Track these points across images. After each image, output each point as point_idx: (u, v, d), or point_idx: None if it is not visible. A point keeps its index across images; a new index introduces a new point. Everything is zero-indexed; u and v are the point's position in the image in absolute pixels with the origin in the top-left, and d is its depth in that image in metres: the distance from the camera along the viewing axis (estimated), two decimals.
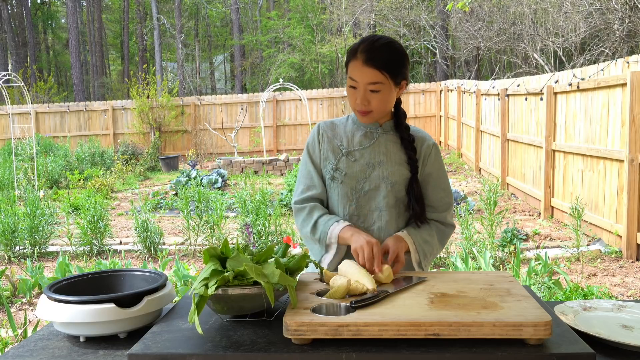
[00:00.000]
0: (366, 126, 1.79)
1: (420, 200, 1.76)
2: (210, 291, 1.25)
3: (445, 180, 1.83)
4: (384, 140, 1.78)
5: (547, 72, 11.41)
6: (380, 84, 1.65)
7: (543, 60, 12.57)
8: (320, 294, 1.40)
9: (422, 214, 1.76)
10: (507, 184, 8.65)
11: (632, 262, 4.97)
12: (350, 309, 1.28)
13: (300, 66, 21.22)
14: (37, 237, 5.95)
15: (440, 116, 14.52)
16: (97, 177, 10.18)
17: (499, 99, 8.77)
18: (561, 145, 6.53)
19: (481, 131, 10.15)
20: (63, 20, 34.85)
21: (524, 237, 5.79)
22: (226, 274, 1.29)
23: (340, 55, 19.98)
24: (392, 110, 1.80)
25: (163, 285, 1.51)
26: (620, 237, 5.14)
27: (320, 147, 1.82)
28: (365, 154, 1.77)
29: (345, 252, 1.74)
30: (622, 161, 5.13)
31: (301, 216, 1.80)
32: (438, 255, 1.92)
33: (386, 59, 1.65)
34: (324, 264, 1.75)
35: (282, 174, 11.63)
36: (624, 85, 5.07)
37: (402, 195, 1.76)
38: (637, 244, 5.01)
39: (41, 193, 8.67)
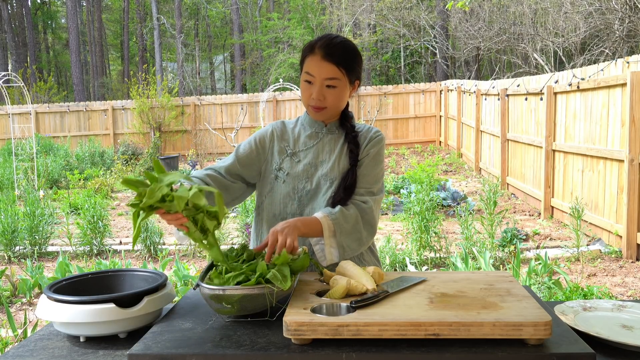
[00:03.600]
0: (312, 127, 1.81)
1: (350, 190, 1.73)
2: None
3: (377, 171, 1.77)
4: (328, 140, 1.80)
5: (547, 72, 11.41)
6: (336, 80, 1.68)
7: (543, 60, 12.57)
8: (320, 294, 1.40)
9: (345, 200, 1.72)
10: (507, 184, 8.65)
11: (632, 262, 4.97)
12: (350, 309, 1.28)
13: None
14: (37, 237, 5.95)
15: (440, 116, 14.52)
16: (97, 177, 10.18)
17: (499, 99, 8.77)
18: (561, 145, 6.53)
19: (481, 131, 10.15)
20: (63, 20, 34.85)
21: (524, 237, 5.79)
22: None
23: None
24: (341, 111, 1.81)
25: (163, 285, 1.51)
26: (620, 237, 5.14)
27: (268, 145, 1.83)
28: (309, 154, 1.78)
29: None
30: (622, 161, 5.13)
31: None
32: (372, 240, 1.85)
33: (344, 55, 1.69)
34: None
35: None
36: (624, 85, 5.07)
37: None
38: (637, 244, 5.01)
39: (41, 193, 8.67)
